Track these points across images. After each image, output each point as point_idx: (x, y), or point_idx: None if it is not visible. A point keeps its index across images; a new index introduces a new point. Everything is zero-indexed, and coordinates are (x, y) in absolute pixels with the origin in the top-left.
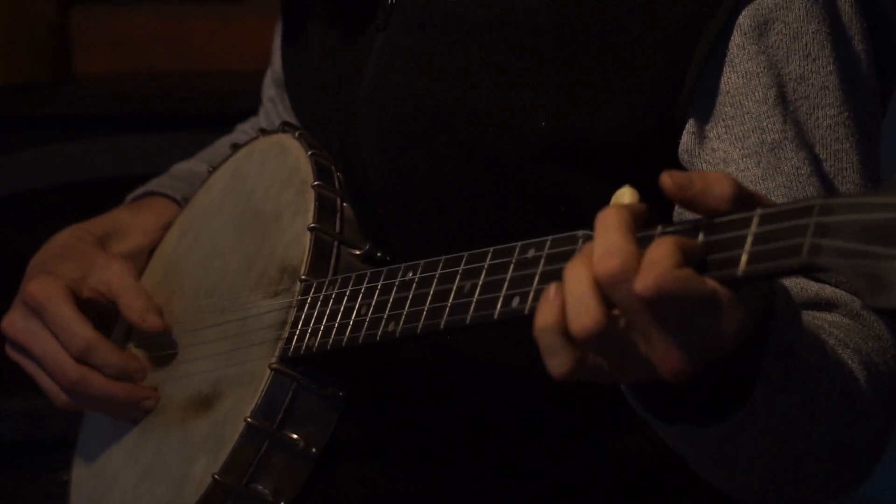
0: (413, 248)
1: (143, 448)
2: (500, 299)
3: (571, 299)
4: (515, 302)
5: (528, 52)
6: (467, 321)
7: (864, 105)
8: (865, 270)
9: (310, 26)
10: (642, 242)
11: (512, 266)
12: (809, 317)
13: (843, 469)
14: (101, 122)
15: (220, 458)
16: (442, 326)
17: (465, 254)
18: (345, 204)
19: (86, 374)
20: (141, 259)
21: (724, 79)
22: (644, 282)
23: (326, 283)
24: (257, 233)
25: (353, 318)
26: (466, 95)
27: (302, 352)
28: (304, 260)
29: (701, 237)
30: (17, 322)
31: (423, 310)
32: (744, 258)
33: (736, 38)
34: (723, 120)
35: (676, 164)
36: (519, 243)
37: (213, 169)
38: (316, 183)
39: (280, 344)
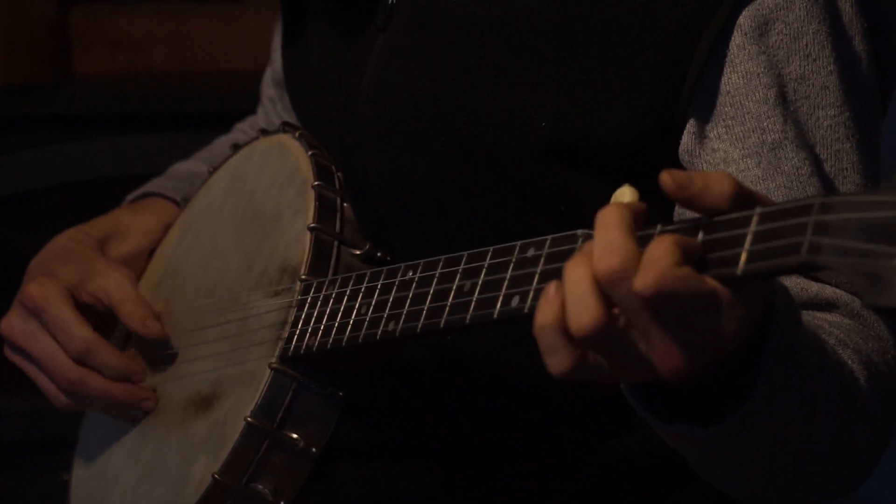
0: (413, 248)
1: (143, 448)
2: (500, 298)
3: (571, 298)
4: (515, 301)
5: (528, 52)
6: (467, 320)
7: (864, 105)
8: (865, 269)
9: (310, 26)
10: (642, 241)
11: (512, 265)
12: (809, 317)
13: (843, 469)
14: (101, 122)
15: (220, 457)
16: (442, 326)
17: (465, 253)
18: (345, 204)
19: (85, 375)
20: (141, 260)
21: (724, 79)
22: (644, 280)
23: (326, 282)
24: (257, 233)
25: (353, 317)
26: (466, 95)
27: (302, 351)
28: (305, 260)
29: (700, 236)
30: (16, 323)
31: (422, 309)
32: (743, 257)
33: (736, 39)
34: (723, 120)
35: (677, 165)
36: (519, 242)
37: (214, 169)
38: (316, 183)
39: (280, 343)
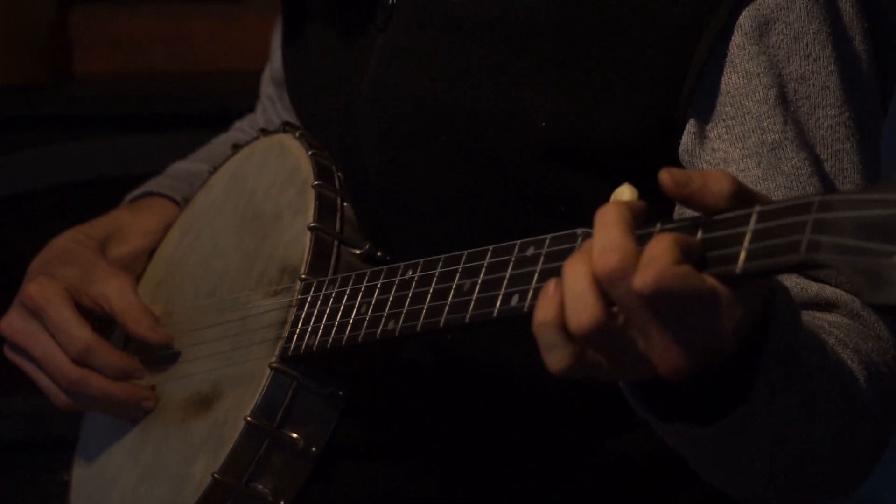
0: (413, 248)
1: (143, 448)
2: (500, 297)
3: (570, 295)
4: (515, 300)
5: (528, 52)
6: (467, 319)
7: (864, 105)
8: (864, 267)
9: (310, 26)
10: (641, 239)
11: (511, 264)
12: (809, 317)
13: (843, 469)
14: (101, 122)
15: (220, 457)
16: (441, 325)
17: (465, 252)
18: (345, 204)
19: (85, 374)
20: (141, 260)
21: (724, 79)
22: (643, 278)
23: (326, 282)
24: (258, 233)
25: (352, 316)
26: (466, 95)
27: (302, 351)
28: (305, 259)
29: (700, 234)
30: (16, 323)
31: (422, 308)
32: (742, 255)
33: (736, 39)
34: (723, 120)
35: (677, 165)
36: (518, 241)
37: (214, 169)
38: (316, 183)
39: (280, 343)
